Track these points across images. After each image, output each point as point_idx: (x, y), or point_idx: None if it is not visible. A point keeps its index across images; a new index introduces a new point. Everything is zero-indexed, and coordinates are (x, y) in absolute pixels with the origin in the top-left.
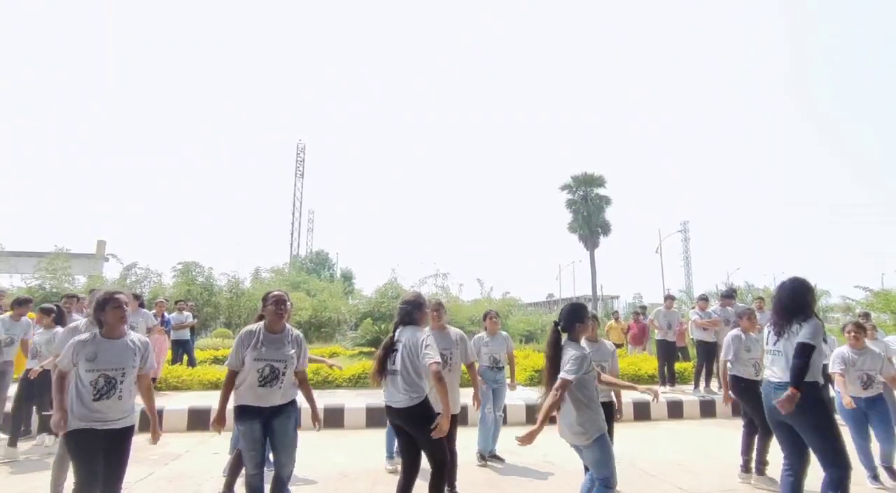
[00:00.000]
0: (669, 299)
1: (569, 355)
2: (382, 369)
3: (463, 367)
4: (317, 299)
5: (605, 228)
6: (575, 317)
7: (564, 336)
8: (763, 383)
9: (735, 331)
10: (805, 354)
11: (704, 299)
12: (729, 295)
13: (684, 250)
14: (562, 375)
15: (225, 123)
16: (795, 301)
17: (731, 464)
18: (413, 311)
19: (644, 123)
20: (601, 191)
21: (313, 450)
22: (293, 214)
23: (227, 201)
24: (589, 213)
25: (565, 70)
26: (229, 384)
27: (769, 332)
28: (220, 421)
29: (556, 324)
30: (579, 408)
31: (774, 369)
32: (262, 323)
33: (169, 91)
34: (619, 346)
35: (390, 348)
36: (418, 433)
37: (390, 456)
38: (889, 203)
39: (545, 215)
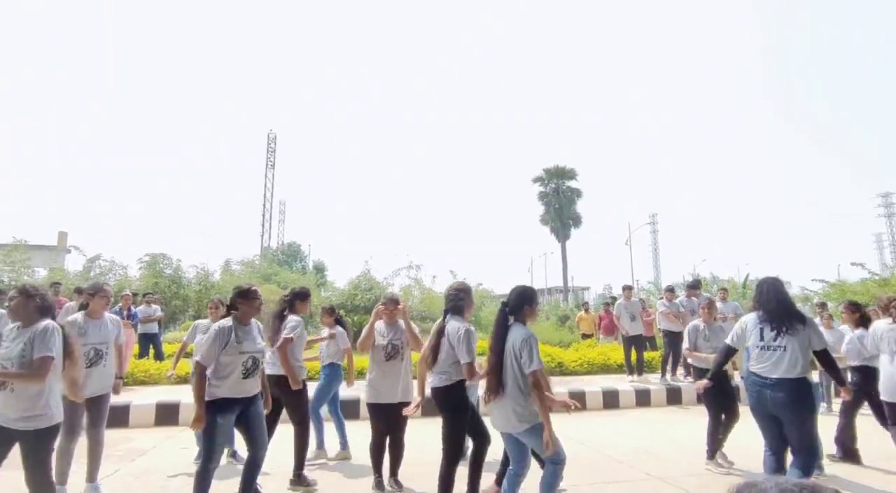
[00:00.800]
0: (627, 289)
1: (527, 343)
2: (435, 356)
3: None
4: (288, 291)
5: (577, 221)
6: (524, 300)
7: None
8: (748, 375)
9: (695, 321)
10: (831, 358)
11: (671, 290)
12: (694, 286)
13: (653, 241)
14: (534, 367)
15: (194, 113)
16: (788, 301)
17: (696, 450)
18: (462, 302)
19: (615, 117)
20: (573, 183)
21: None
22: (264, 205)
23: (196, 192)
24: (560, 205)
25: (539, 64)
26: (203, 380)
27: (761, 328)
28: (202, 419)
29: (504, 305)
30: (525, 395)
31: (767, 365)
32: (230, 318)
33: (136, 80)
34: (589, 336)
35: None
36: (442, 413)
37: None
38: (847, 198)
39: (518, 207)
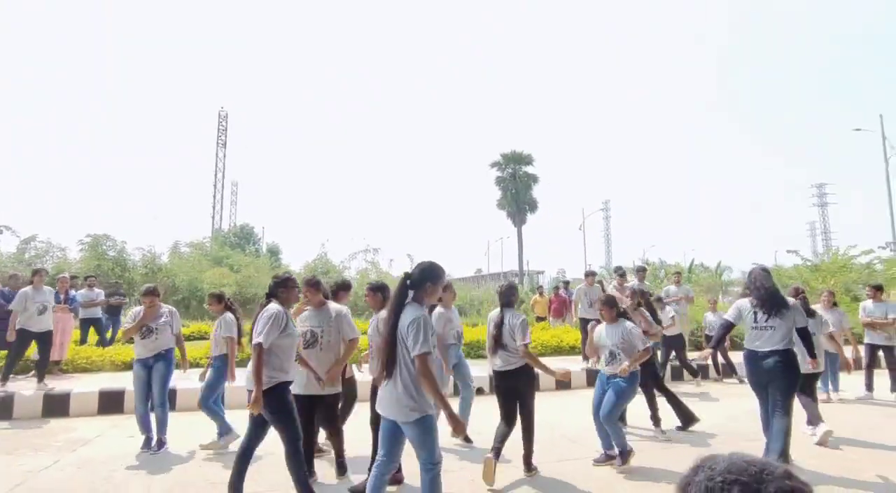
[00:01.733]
0: (590, 275)
1: (415, 324)
2: (497, 346)
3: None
4: (241, 274)
5: (533, 206)
6: (427, 276)
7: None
8: (746, 352)
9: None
10: (809, 335)
11: (622, 274)
12: (642, 269)
13: (605, 227)
14: (418, 351)
15: (140, 88)
16: (774, 289)
17: (646, 425)
18: (512, 296)
19: (572, 104)
20: (529, 169)
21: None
22: (215, 185)
23: (142, 171)
24: (517, 190)
25: (498, 50)
26: (262, 362)
27: (755, 312)
28: (261, 401)
29: (406, 276)
30: (417, 380)
31: (761, 341)
32: (276, 304)
33: (80, 53)
34: (542, 319)
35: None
36: (519, 392)
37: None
38: (785, 188)
39: (475, 192)
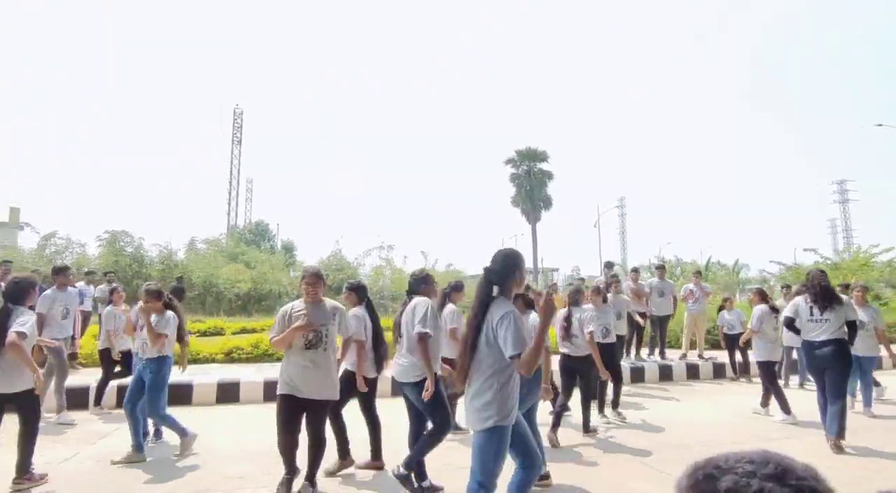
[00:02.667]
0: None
1: (505, 316)
2: (567, 335)
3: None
4: (257, 271)
5: (547, 203)
6: (513, 264)
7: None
8: (804, 342)
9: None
10: (856, 327)
11: (636, 271)
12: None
13: (621, 224)
14: (515, 351)
15: (157, 87)
16: (829, 287)
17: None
18: (580, 296)
19: (587, 101)
20: (544, 166)
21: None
22: (230, 182)
23: (159, 168)
24: (532, 187)
25: (513, 46)
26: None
27: (810, 307)
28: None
29: (488, 271)
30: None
31: (817, 332)
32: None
33: (97, 51)
34: None
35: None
36: (583, 370)
37: None
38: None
39: (489, 189)
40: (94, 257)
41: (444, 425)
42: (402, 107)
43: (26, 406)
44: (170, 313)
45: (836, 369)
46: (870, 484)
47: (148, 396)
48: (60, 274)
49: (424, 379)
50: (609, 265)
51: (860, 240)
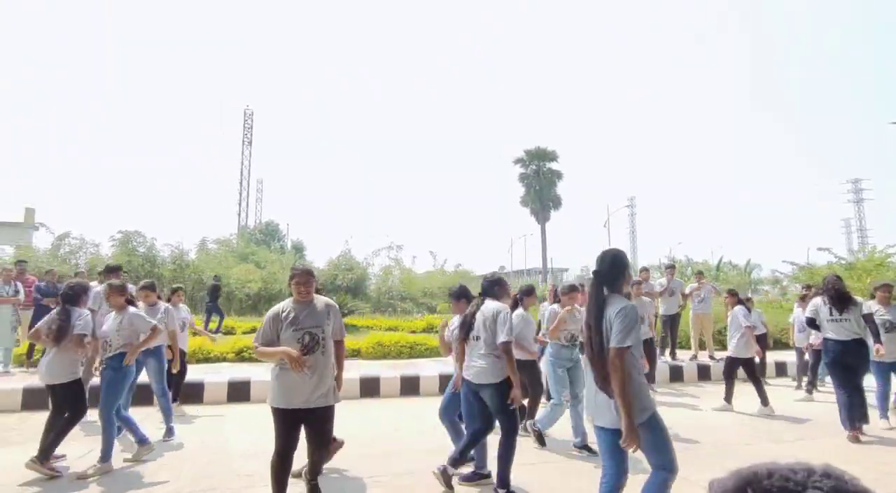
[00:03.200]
0: (699, 274)
1: (622, 310)
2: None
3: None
4: (266, 271)
5: (556, 202)
6: (620, 264)
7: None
8: (827, 342)
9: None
10: (873, 319)
11: (646, 270)
12: (671, 267)
13: (631, 224)
14: (620, 343)
15: (168, 88)
16: (844, 290)
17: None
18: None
19: (596, 100)
20: (553, 165)
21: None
22: (241, 183)
23: (170, 169)
24: (541, 187)
25: (521, 46)
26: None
27: (829, 307)
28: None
29: (597, 274)
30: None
31: (838, 332)
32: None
33: (108, 52)
34: None
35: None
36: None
37: None
38: (817, 185)
39: (498, 189)
40: (107, 257)
41: (515, 427)
42: (411, 107)
43: (70, 398)
44: (133, 309)
45: (854, 366)
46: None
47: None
48: (112, 273)
49: (502, 381)
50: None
51: (875, 240)
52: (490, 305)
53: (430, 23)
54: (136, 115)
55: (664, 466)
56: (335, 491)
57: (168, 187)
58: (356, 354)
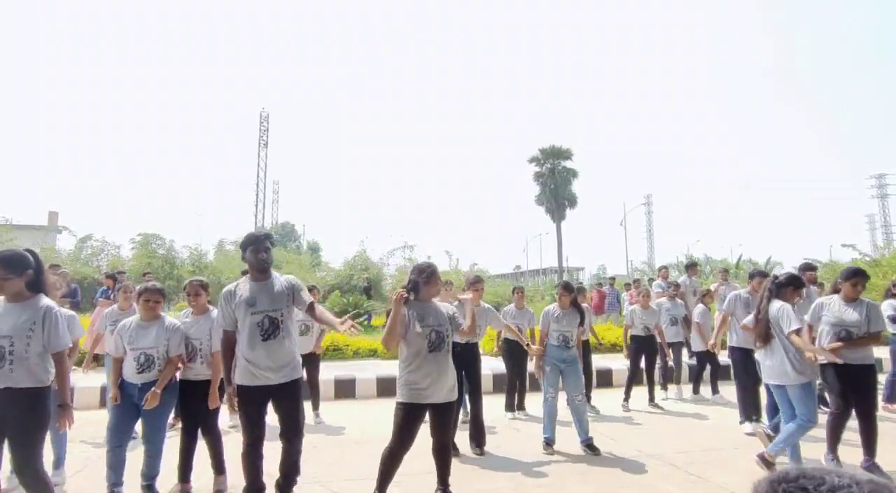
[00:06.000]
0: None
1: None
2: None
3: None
4: (283, 271)
5: (572, 201)
6: (790, 282)
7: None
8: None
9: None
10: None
11: (664, 268)
12: (692, 265)
13: (647, 222)
14: (792, 328)
15: (186, 92)
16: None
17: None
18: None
19: (611, 97)
20: (568, 164)
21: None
22: (257, 184)
23: (189, 171)
24: (556, 185)
25: (535, 44)
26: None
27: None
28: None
29: (774, 279)
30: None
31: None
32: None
33: (127, 57)
34: None
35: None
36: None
37: None
38: (838, 180)
39: (513, 188)
40: (127, 259)
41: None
42: (425, 107)
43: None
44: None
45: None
46: None
47: None
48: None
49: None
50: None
51: None
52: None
53: (445, 22)
54: (155, 119)
55: (811, 420)
56: (350, 492)
57: (188, 190)
58: (373, 354)
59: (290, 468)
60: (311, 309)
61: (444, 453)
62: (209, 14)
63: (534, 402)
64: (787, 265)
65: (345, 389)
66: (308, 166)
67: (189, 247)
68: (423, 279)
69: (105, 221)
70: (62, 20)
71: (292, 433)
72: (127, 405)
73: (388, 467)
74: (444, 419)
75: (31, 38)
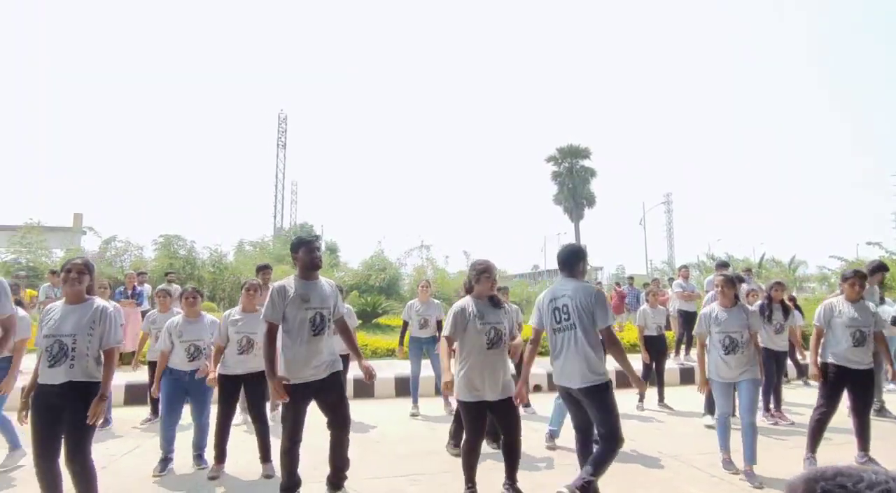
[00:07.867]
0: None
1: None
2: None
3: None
4: None
5: (590, 200)
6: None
7: None
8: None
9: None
10: None
11: (685, 267)
12: (723, 264)
13: (667, 221)
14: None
15: (206, 93)
16: None
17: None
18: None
19: (629, 95)
20: (586, 163)
21: None
22: (276, 185)
23: (209, 173)
24: (574, 185)
25: (553, 42)
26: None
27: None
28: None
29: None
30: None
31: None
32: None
33: (147, 60)
34: None
35: None
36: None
37: None
38: (864, 176)
39: (531, 187)
40: (150, 260)
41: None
42: (442, 106)
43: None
44: (21, 311)
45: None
46: None
47: None
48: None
49: None
50: (723, 264)
51: None
52: None
53: (462, 22)
54: (175, 122)
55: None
56: (371, 491)
57: (208, 191)
58: (391, 354)
59: (341, 461)
60: (341, 321)
61: (511, 448)
62: (227, 17)
63: (536, 401)
64: (812, 264)
65: (363, 389)
66: (326, 167)
67: (209, 248)
68: (474, 276)
69: (128, 222)
70: (84, 25)
71: (340, 423)
72: (177, 389)
73: (470, 461)
74: (503, 414)
75: (55, 44)
